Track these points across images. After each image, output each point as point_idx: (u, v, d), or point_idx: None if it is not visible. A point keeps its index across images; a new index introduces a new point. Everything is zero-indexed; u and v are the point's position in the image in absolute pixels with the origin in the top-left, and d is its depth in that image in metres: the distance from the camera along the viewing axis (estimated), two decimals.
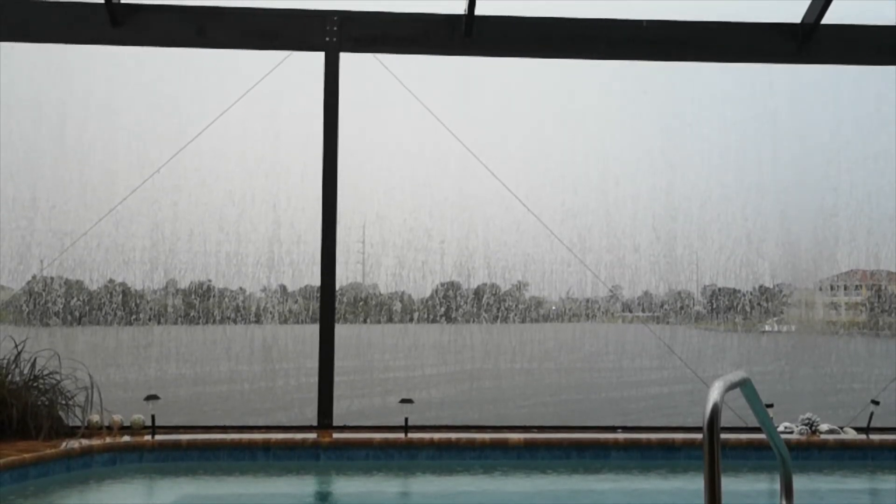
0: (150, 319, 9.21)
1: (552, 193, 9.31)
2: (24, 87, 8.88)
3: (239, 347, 9.31)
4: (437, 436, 7.87)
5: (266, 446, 7.68)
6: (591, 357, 9.93)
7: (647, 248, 9.42)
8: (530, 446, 7.81)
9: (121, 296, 9.14)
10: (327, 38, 8.61)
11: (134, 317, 9.17)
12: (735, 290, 9.72)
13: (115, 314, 9.10)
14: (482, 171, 8.84)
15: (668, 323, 9.74)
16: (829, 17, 8.60)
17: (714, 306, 9.82)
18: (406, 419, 7.92)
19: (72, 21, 8.54)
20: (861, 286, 10.17)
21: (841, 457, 7.86)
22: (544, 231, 9.07)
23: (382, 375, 9.64)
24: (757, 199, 9.52)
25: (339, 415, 8.45)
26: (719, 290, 9.80)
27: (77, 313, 9.03)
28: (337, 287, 8.71)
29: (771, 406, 7.85)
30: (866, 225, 9.42)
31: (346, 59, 8.68)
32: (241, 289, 9.35)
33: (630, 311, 9.78)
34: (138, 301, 9.19)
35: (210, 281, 9.29)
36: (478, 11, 8.50)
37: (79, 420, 7.84)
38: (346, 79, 8.67)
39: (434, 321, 9.46)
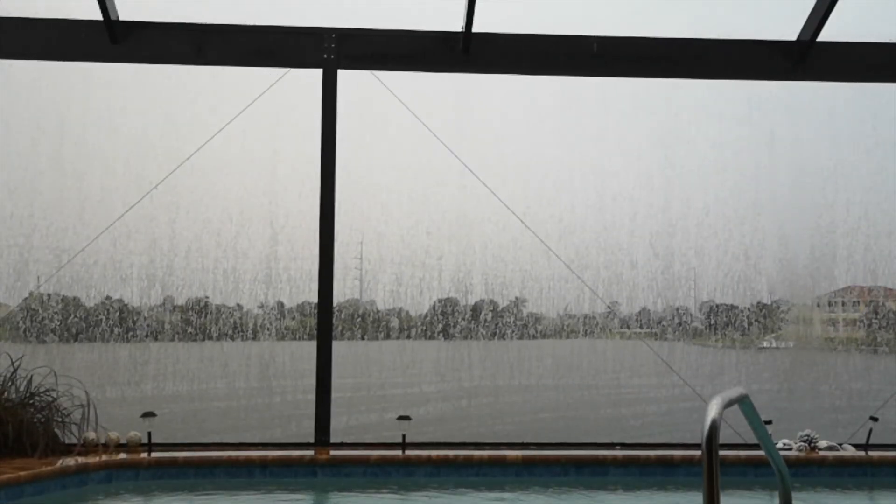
0: (147, 336, 9.19)
1: (550, 210, 9.32)
2: (22, 104, 8.90)
3: (236, 364, 9.29)
4: (434, 453, 7.84)
5: (263, 463, 7.64)
6: (589, 373, 9.90)
7: (644, 265, 9.43)
8: (528, 463, 7.77)
9: (118, 312, 9.13)
10: (325, 56, 8.65)
11: (131, 333, 9.15)
12: (733, 307, 9.71)
13: (112, 331, 9.08)
14: (480, 187, 8.86)
15: (665, 339, 9.72)
16: (826, 35, 8.64)
17: (712, 322, 9.81)
18: (404, 436, 7.90)
19: (71, 39, 8.57)
20: (859, 302, 10.17)
21: (840, 473, 7.83)
22: (542, 247, 9.07)
23: (380, 392, 9.61)
24: (754, 216, 9.53)
25: (337, 432, 8.42)
26: (717, 306, 9.79)
27: (74, 330, 9.01)
28: (334, 303, 8.70)
29: (769, 423, 7.83)
30: (863, 241, 9.43)
31: (343, 76, 8.71)
32: (238, 305, 9.34)
33: (628, 327, 9.77)
34: (135, 318, 9.18)
35: (207, 297, 9.28)
36: (475, 29, 8.54)
37: (75, 438, 7.80)
38: (344, 96, 8.69)
39: (432, 338, 9.45)
